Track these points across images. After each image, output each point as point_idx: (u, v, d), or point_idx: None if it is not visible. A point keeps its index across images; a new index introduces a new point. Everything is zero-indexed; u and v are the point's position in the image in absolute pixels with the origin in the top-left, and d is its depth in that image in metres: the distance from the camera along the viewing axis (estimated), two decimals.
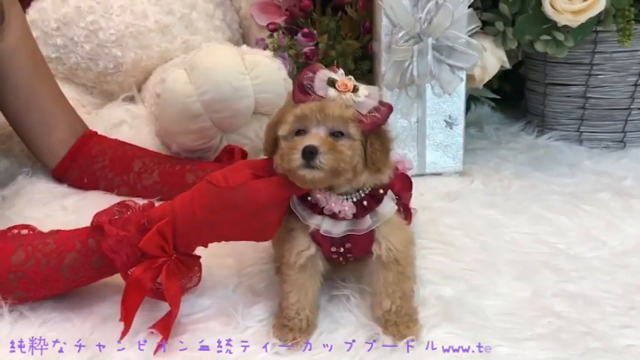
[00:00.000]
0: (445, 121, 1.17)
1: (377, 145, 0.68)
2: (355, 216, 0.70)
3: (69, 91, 1.26)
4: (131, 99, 1.30)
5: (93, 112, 1.28)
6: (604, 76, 1.30)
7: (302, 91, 0.66)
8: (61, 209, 0.99)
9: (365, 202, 0.70)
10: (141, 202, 0.77)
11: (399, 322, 0.72)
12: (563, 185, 1.17)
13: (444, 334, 0.72)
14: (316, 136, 0.66)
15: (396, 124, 1.16)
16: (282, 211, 0.72)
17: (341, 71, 0.68)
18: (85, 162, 1.06)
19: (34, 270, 0.72)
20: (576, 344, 0.73)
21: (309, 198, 0.71)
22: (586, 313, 0.79)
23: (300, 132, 0.67)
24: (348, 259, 0.76)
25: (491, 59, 1.19)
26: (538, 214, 1.04)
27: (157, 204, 0.76)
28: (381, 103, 0.68)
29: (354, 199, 0.70)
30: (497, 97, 1.45)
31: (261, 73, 1.00)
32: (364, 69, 1.25)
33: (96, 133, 1.10)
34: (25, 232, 0.78)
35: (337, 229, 0.70)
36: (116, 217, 0.73)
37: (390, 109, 0.69)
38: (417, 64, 1.09)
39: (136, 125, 1.22)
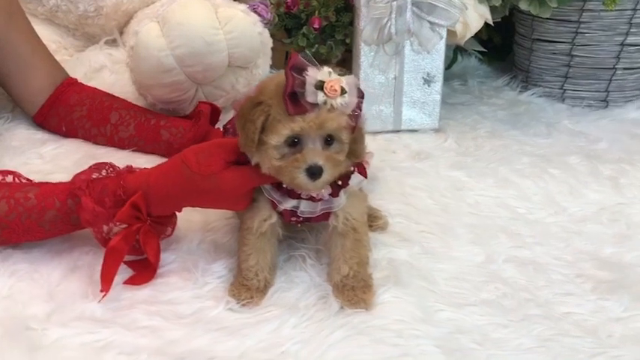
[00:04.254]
0: (423, 78, 1.17)
1: (359, 139, 0.70)
2: (331, 195, 0.73)
3: (51, 33, 1.26)
4: (113, 42, 1.30)
5: (75, 55, 1.28)
6: (591, 35, 1.28)
7: (295, 102, 0.65)
8: (38, 157, 1.02)
9: (340, 182, 0.73)
10: (118, 154, 0.83)
11: (355, 286, 0.76)
12: (536, 146, 1.19)
13: (390, 298, 0.76)
14: (318, 153, 0.67)
15: (374, 80, 1.16)
16: (250, 196, 0.75)
17: (325, 68, 0.67)
18: (64, 110, 1.07)
19: (15, 222, 0.77)
20: (517, 310, 0.77)
21: (285, 185, 0.72)
22: (533, 281, 0.83)
23: (293, 141, 0.67)
24: (304, 224, 0.79)
25: (473, 15, 1.18)
26: (504, 177, 1.06)
27: (134, 165, 0.80)
28: (357, 93, 0.68)
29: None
30: (485, 50, 1.43)
31: (235, 27, 0.99)
32: (345, 21, 1.24)
33: (76, 80, 1.11)
34: (9, 177, 0.82)
35: (315, 209, 0.74)
36: (94, 175, 0.77)
37: (362, 96, 0.69)
38: (395, 21, 1.07)
39: (117, 70, 1.23)
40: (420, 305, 0.76)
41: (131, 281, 0.77)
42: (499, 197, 1.01)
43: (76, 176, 0.77)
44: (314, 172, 0.66)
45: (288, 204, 0.74)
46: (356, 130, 0.69)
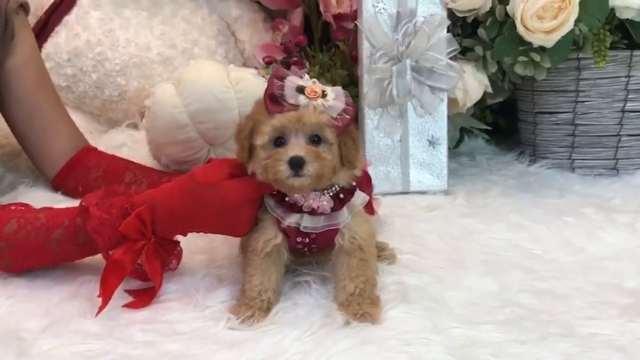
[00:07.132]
0: (428, 140, 1.20)
1: (350, 143, 0.72)
2: (333, 209, 0.73)
3: (78, 119, 1.35)
4: (134, 126, 1.39)
5: (97, 137, 1.36)
6: (590, 103, 1.33)
7: (274, 101, 0.69)
8: None
9: (341, 195, 0.74)
10: None
11: (361, 302, 0.73)
12: (549, 204, 1.17)
13: (399, 314, 0.72)
14: (299, 146, 0.69)
15: (379, 142, 1.20)
16: (254, 209, 0.76)
17: (306, 76, 0.71)
18: (81, 173, 1.13)
19: (23, 240, 0.78)
20: (537, 329, 0.72)
21: (287, 199, 0.73)
22: (553, 306, 0.78)
23: (278, 140, 0.70)
24: (311, 250, 0.78)
25: (472, 83, 1.23)
26: (517, 222, 1.04)
27: None
28: (346, 102, 0.72)
29: (331, 194, 0.73)
30: (489, 128, 1.47)
31: (245, 87, 1.06)
32: (351, 94, 1.30)
33: (95, 148, 1.17)
34: (22, 209, 0.85)
35: (317, 224, 0.73)
36: (104, 200, 0.79)
37: (354, 106, 0.72)
38: (396, 84, 1.14)
39: (136, 148, 1.29)
40: (431, 320, 0.71)
41: (131, 305, 0.75)
42: (512, 240, 0.98)
43: (87, 196, 0.79)
44: (294, 163, 0.67)
45: (291, 219, 0.73)
46: (345, 133, 0.71)
